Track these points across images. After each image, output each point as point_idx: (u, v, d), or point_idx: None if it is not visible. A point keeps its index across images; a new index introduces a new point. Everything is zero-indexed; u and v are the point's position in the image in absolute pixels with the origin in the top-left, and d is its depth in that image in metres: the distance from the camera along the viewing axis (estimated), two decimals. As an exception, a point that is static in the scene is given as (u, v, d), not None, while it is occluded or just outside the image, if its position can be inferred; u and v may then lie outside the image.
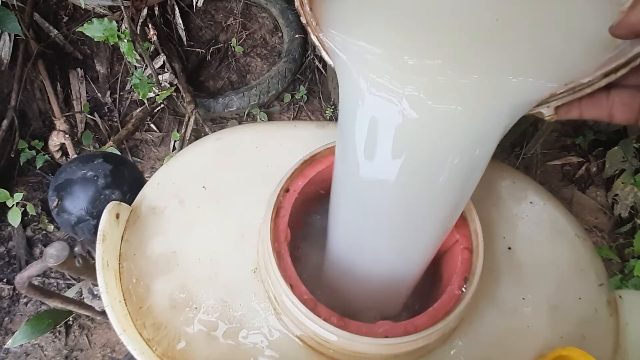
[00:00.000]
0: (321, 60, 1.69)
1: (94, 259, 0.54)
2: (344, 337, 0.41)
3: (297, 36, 1.67)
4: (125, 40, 1.17)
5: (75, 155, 1.45)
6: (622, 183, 1.38)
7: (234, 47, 1.69)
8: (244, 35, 1.73)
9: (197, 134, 1.59)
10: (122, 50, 1.20)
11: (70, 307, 0.55)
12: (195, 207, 0.51)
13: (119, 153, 1.38)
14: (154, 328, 0.44)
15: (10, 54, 1.45)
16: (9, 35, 1.42)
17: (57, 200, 0.52)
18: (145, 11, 1.52)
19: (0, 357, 1.23)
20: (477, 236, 0.45)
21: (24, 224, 1.37)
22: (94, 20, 1.12)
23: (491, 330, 0.46)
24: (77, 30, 1.20)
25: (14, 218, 1.28)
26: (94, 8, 1.48)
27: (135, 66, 1.44)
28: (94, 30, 1.12)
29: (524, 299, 0.47)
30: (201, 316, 0.46)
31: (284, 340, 0.45)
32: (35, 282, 1.32)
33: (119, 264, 0.47)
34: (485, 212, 0.51)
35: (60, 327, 1.25)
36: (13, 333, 1.24)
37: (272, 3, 1.70)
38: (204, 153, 0.55)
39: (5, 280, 1.32)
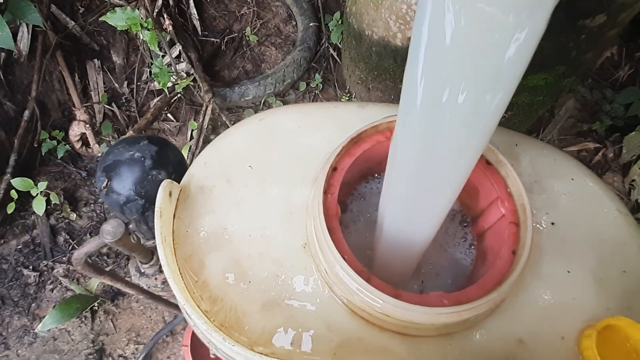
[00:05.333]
0: (335, 48, 1.69)
1: (139, 239, 0.56)
2: (399, 307, 0.42)
3: (311, 24, 1.66)
4: (147, 29, 1.17)
5: (96, 146, 1.47)
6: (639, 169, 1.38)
7: (248, 37, 1.69)
8: (258, 25, 1.73)
9: (214, 123, 1.60)
10: (144, 39, 1.21)
11: (118, 285, 0.56)
12: (242, 185, 0.52)
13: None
14: (210, 301, 0.46)
15: (29, 45, 1.46)
16: (27, 27, 1.43)
17: (106, 180, 0.54)
18: (160, 1, 1.52)
19: (29, 342, 1.25)
20: (525, 210, 0.46)
21: (47, 212, 1.39)
22: (117, 9, 1.13)
23: (537, 302, 0.47)
24: (100, 19, 1.20)
25: (39, 206, 1.30)
26: (110, -1, 1.48)
27: (151, 54, 1.45)
28: (116, 19, 1.12)
29: (569, 272, 0.48)
30: (254, 289, 0.47)
31: (335, 311, 0.46)
32: (61, 270, 1.34)
33: (173, 240, 0.48)
34: (528, 189, 0.52)
35: (86, 312, 1.28)
36: (40, 318, 1.27)
37: (286, -9, 1.70)
38: (248, 133, 0.56)
39: (31, 267, 1.34)
